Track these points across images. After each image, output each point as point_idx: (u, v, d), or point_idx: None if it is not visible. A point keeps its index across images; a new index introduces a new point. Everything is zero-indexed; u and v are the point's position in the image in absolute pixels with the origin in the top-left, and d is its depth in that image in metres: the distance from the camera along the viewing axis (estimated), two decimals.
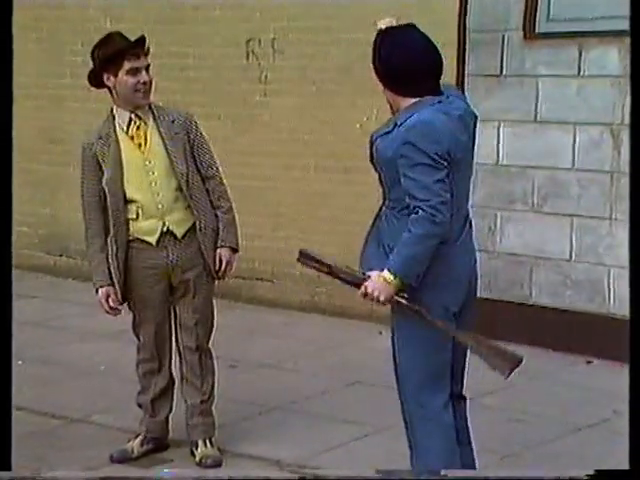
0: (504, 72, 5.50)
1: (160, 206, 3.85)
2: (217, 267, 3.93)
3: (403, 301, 3.08)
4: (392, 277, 3.04)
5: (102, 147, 3.84)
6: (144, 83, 3.81)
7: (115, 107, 3.89)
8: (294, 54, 6.20)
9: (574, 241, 5.40)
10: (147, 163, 3.86)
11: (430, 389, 3.18)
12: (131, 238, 3.88)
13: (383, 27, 3.15)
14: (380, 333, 5.39)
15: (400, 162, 3.05)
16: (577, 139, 5.35)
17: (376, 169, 3.23)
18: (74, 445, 4.18)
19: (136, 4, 6.70)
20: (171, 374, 4.09)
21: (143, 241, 3.88)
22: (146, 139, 3.86)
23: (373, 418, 4.35)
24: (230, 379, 4.99)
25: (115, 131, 3.86)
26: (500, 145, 5.52)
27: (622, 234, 5.04)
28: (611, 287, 5.25)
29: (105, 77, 3.81)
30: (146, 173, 3.85)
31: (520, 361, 3.14)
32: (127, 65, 3.77)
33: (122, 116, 3.87)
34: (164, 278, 3.91)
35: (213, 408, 4.06)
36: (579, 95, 5.33)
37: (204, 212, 3.92)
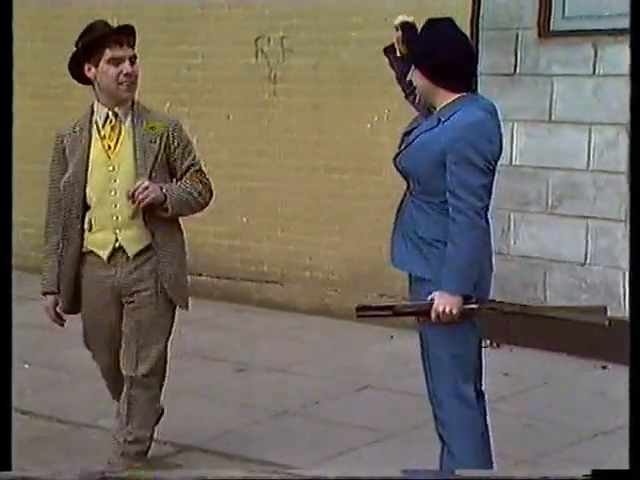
0: (518, 71, 5.43)
1: (115, 218, 3.51)
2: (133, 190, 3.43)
3: (475, 306, 3.12)
4: (456, 294, 3.09)
5: (73, 141, 3.53)
6: (127, 74, 3.45)
7: (96, 102, 3.57)
8: (304, 53, 6.14)
9: (589, 244, 5.32)
10: (111, 169, 3.51)
11: (468, 383, 3.23)
12: (84, 250, 3.57)
13: (410, 19, 3.24)
14: (392, 337, 5.32)
15: (450, 158, 3.06)
16: (592, 139, 5.27)
17: (398, 166, 3.23)
18: (80, 450, 4.13)
19: (144, 3, 6.65)
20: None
21: (94, 254, 3.55)
22: (117, 142, 3.52)
23: (384, 423, 4.29)
24: (238, 383, 4.93)
25: (90, 127, 3.54)
26: (514, 145, 5.45)
27: None
28: (627, 291, 5.16)
29: (86, 68, 3.49)
30: (107, 179, 3.51)
31: (605, 307, 3.33)
32: (109, 53, 3.44)
33: (100, 112, 3.55)
34: (114, 298, 3.57)
35: (148, 454, 3.67)
36: (594, 94, 5.25)
37: (164, 231, 3.55)
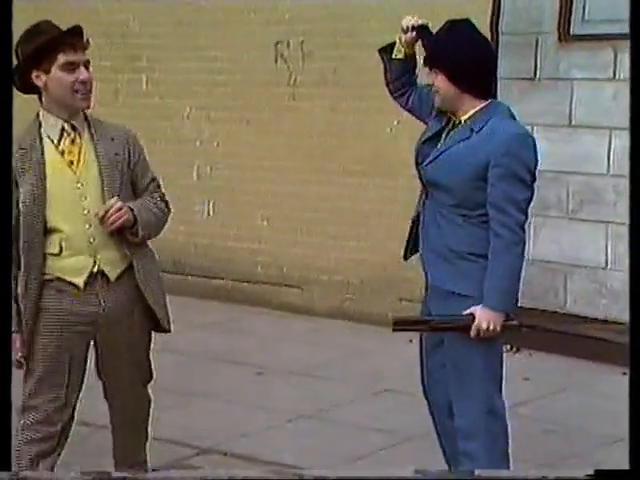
0: (538, 75, 5.42)
1: (92, 240, 3.10)
2: (104, 212, 3.07)
3: (515, 323, 3.10)
4: (499, 311, 3.06)
5: (21, 159, 3.07)
6: (83, 82, 3.07)
7: (43, 112, 3.14)
8: (323, 57, 6.15)
9: (609, 249, 5.30)
10: (79, 186, 3.11)
11: (499, 394, 3.21)
12: (49, 277, 3.11)
13: (426, 22, 3.17)
14: (410, 341, 5.31)
15: (495, 171, 2.99)
16: (612, 144, 5.25)
17: (426, 177, 3.15)
18: (102, 452, 4.13)
19: (164, 7, 6.68)
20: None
21: (65, 282, 3.10)
22: (79, 157, 3.13)
23: (402, 427, 4.29)
24: (258, 386, 4.95)
25: (41, 142, 3.11)
26: None
27: None
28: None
29: (34, 75, 3.06)
30: (77, 198, 3.11)
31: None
32: (62, 58, 3.04)
33: (51, 124, 3.12)
34: (88, 333, 3.15)
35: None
36: (614, 99, 5.23)
37: (141, 249, 3.19)
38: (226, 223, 6.63)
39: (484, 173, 3.01)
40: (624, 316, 5.20)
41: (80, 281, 3.10)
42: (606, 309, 5.30)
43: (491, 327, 3.03)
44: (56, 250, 3.09)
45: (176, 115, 6.69)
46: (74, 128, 3.14)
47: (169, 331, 3.29)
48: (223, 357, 5.40)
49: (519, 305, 3.19)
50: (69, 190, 3.11)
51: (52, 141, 3.12)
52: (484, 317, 3.03)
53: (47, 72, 3.06)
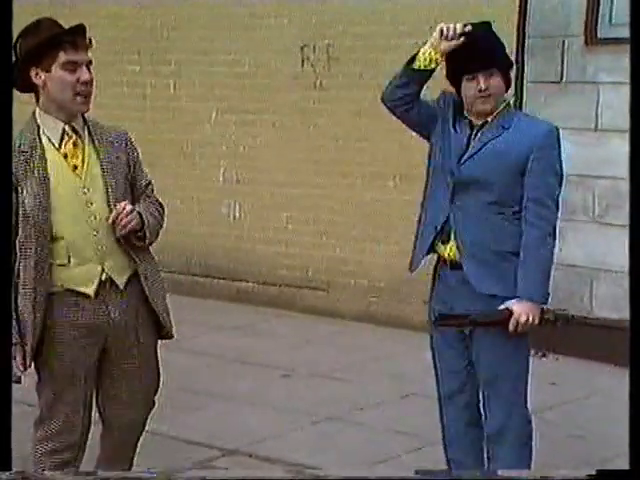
0: (564, 79, 5.40)
1: (100, 247, 2.96)
2: (115, 216, 2.94)
3: (551, 316, 3.10)
4: (537, 302, 3.08)
5: (23, 163, 2.89)
6: (85, 83, 2.90)
7: (39, 112, 2.97)
8: (349, 60, 6.16)
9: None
10: (85, 191, 2.95)
11: (526, 399, 3.22)
12: (57, 289, 2.95)
13: (468, 29, 3.12)
14: None
15: (535, 166, 3.05)
16: None
17: (462, 174, 3.13)
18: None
19: (191, 11, 6.72)
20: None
21: (74, 292, 2.96)
22: (84, 160, 2.97)
23: (427, 430, 4.27)
24: (283, 388, 4.96)
25: (41, 144, 2.94)
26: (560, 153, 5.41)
27: None
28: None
29: (33, 73, 2.89)
30: (83, 204, 2.95)
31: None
32: (63, 57, 2.87)
33: (50, 126, 2.95)
34: (98, 343, 3.03)
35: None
36: None
37: (148, 256, 3.08)
38: (252, 226, 6.66)
39: (523, 167, 3.06)
40: None
41: (91, 291, 2.96)
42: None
43: (530, 319, 3.04)
44: (64, 260, 2.93)
45: (203, 119, 6.73)
46: (75, 131, 2.97)
47: (172, 337, 3.17)
48: (248, 359, 5.42)
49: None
50: (75, 196, 2.95)
51: (53, 144, 2.95)
52: (524, 310, 3.04)
53: (47, 70, 2.88)
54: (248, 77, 6.58)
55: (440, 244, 3.24)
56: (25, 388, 3.02)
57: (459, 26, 3.12)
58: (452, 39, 3.13)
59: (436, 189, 3.26)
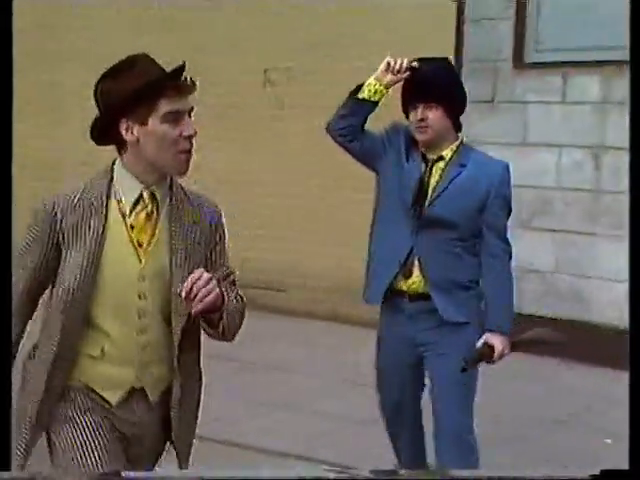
0: (496, 99, 5.89)
1: (143, 350, 2.35)
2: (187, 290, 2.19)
3: (518, 345, 3.22)
4: (506, 334, 3.16)
5: (77, 221, 2.29)
6: (189, 137, 2.27)
7: (119, 166, 2.33)
8: (307, 81, 6.53)
9: (558, 255, 5.71)
10: (141, 279, 2.32)
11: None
12: (76, 384, 2.36)
13: (414, 64, 3.16)
14: None
15: (496, 202, 3.14)
16: (562, 160, 5.72)
17: (428, 214, 3.15)
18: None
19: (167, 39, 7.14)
20: None
21: (94, 393, 2.37)
22: (152, 239, 2.33)
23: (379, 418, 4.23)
24: (240, 380, 5.09)
25: (107, 204, 2.31)
26: None
27: None
28: None
29: (124, 127, 2.26)
30: (134, 294, 2.32)
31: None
32: (165, 106, 2.25)
33: (126, 186, 2.32)
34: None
35: None
36: (564, 120, 5.71)
37: (189, 370, 2.41)
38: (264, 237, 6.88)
39: (483, 204, 3.14)
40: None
41: (113, 398, 2.36)
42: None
43: (506, 351, 3.13)
44: (97, 352, 2.34)
45: None
46: (154, 198, 2.33)
47: (183, 468, 2.48)
48: (209, 352, 5.62)
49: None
50: (127, 282, 2.31)
51: (121, 209, 2.31)
52: (500, 342, 3.12)
53: (142, 123, 2.25)
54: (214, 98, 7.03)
55: (401, 277, 3.23)
56: None
57: (406, 60, 3.17)
58: (397, 73, 3.16)
59: (392, 222, 3.23)
